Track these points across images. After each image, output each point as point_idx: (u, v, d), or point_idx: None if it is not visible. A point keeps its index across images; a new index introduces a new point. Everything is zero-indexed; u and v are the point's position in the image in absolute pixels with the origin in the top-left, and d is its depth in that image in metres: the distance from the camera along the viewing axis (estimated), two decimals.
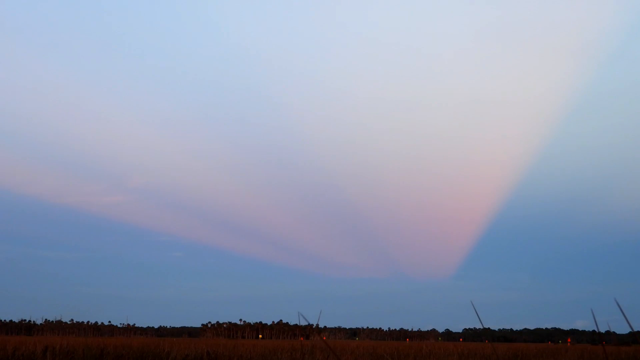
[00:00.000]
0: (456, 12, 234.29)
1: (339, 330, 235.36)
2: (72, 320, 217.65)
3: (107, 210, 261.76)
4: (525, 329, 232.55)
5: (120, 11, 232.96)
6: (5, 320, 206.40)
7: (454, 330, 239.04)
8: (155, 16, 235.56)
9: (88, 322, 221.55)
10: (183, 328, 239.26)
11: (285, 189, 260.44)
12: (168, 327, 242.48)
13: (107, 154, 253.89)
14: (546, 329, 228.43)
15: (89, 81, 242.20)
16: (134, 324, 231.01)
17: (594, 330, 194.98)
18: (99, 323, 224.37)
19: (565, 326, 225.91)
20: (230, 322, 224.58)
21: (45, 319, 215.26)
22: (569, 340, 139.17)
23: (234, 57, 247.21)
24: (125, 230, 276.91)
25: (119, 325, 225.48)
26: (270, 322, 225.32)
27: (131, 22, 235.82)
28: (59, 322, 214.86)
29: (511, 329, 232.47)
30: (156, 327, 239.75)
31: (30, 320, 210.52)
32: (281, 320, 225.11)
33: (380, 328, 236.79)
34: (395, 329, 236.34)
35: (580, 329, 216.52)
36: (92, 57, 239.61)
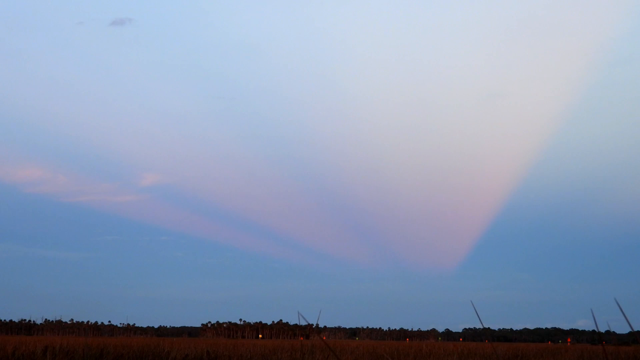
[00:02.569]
0: (465, 14, 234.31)
1: (338, 330, 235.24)
2: (72, 320, 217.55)
3: (109, 210, 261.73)
4: (525, 328, 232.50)
5: (142, 12, 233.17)
6: (5, 320, 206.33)
7: (454, 330, 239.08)
8: (174, 15, 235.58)
9: (88, 322, 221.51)
10: (183, 328, 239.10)
11: (288, 187, 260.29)
12: (168, 327, 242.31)
13: (116, 153, 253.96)
14: (546, 328, 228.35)
15: (101, 80, 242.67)
16: (134, 324, 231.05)
17: (594, 330, 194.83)
18: (99, 323, 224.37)
19: (566, 326, 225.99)
20: (230, 322, 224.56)
21: (45, 319, 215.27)
22: (569, 340, 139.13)
23: (242, 55, 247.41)
24: (126, 229, 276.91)
25: (119, 325, 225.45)
26: (270, 322, 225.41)
27: (149, 22, 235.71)
28: (59, 322, 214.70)
29: (511, 329, 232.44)
30: (156, 327, 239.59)
31: (30, 320, 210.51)
32: (281, 320, 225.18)
33: (380, 328, 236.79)
34: (395, 329, 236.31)
35: (580, 329, 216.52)
36: (105, 56, 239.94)
